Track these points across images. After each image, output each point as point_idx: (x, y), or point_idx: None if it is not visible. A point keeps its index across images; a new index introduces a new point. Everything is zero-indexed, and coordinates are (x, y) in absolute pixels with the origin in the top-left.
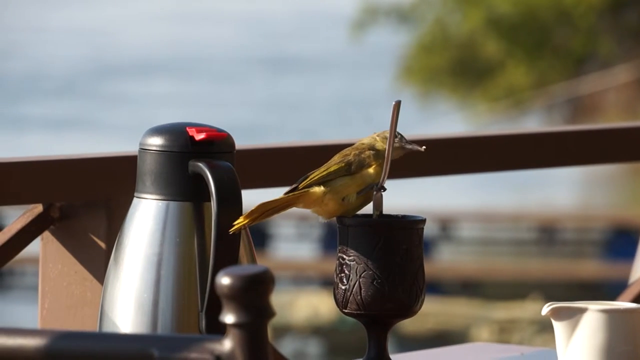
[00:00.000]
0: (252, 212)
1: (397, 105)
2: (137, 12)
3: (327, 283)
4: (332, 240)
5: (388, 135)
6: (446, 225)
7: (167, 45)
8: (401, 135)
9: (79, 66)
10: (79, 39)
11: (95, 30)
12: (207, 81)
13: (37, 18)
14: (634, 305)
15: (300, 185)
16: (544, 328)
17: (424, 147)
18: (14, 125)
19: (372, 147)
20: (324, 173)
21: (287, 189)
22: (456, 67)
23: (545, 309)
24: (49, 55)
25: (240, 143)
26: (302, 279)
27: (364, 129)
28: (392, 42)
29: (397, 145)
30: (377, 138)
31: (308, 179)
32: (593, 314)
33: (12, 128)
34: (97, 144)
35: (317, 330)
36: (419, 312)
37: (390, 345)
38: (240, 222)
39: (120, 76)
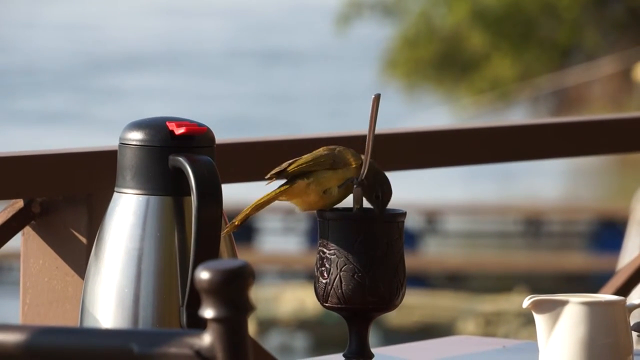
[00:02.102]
0: (246, 214)
1: (377, 99)
2: (126, 6)
3: (313, 277)
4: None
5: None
6: (432, 218)
7: (156, 39)
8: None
9: (69, 60)
10: (68, 33)
11: (85, 25)
12: (196, 74)
13: (27, 13)
14: (615, 297)
15: (289, 169)
16: (530, 320)
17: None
18: (4, 119)
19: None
20: (311, 163)
21: (270, 173)
22: (441, 60)
23: (527, 302)
24: (39, 49)
25: (228, 135)
26: (288, 272)
27: (349, 122)
28: (377, 35)
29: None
30: (352, 160)
31: (294, 164)
32: (574, 306)
33: (3, 122)
34: (87, 138)
35: (303, 323)
36: (405, 304)
37: (375, 338)
38: (233, 223)
39: (110, 70)
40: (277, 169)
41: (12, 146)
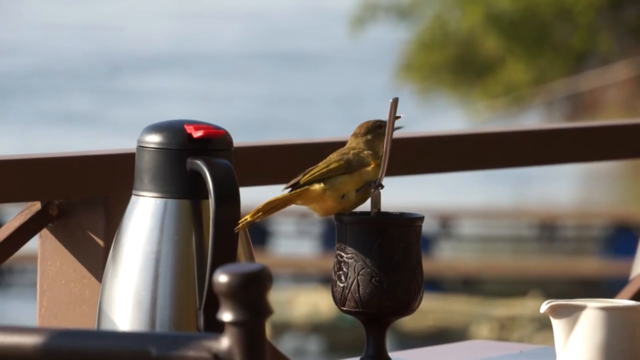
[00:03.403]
0: (258, 209)
1: (395, 102)
2: (143, 9)
3: (327, 280)
4: (332, 237)
5: (370, 124)
6: (446, 222)
7: (173, 42)
8: (380, 122)
9: (87, 62)
10: (86, 35)
11: (103, 27)
12: (212, 77)
13: (44, 14)
14: (632, 302)
15: (301, 181)
16: (545, 325)
17: (401, 115)
18: (23, 120)
19: (368, 147)
20: (324, 170)
21: (285, 185)
22: (456, 64)
23: (544, 307)
24: (57, 51)
25: (243, 138)
26: (302, 276)
27: None
28: (391, 38)
29: (380, 132)
30: (368, 136)
31: (308, 175)
32: (591, 311)
33: (22, 123)
34: (105, 140)
35: (317, 327)
36: (419, 309)
37: (389, 343)
38: (245, 219)
39: (128, 72)
40: (291, 182)
41: (31, 147)
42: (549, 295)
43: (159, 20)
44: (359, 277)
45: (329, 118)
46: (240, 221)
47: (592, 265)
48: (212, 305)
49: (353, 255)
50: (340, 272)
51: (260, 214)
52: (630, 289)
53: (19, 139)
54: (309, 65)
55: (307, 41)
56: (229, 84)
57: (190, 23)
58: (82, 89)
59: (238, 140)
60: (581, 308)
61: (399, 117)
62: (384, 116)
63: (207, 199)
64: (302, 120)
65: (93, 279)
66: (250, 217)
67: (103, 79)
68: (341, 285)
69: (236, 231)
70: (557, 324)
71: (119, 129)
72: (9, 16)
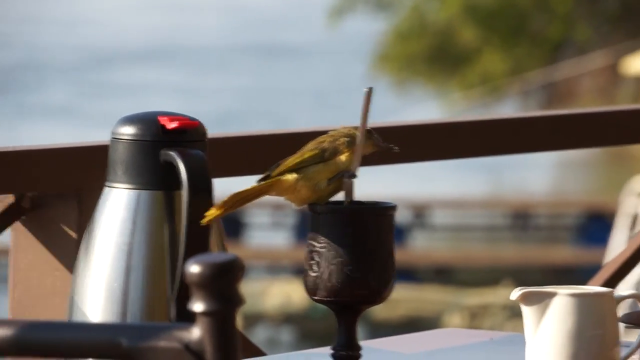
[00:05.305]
0: (225, 202)
1: (369, 93)
2: (126, 2)
3: (301, 271)
4: (306, 228)
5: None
6: (420, 212)
7: (155, 34)
8: (377, 135)
9: (69, 55)
10: (67, 28)
11: (86, 20)
12: (192, 69)
13: (27, 8)
14: (603, 289)
15: (273, 173)
16: (516, 314)
17: (396, 148)
18: (7, 113)
19: (347, 135)
20: (298, 160)
21: (260, 176)
22: (432, 55)
23: (515, 294)
24: (39, 44)
25: (223, 130)
26: (275, 267)
27: (341, 116)
28: (370, 29)
29: (371, 143)
30: (354, 130)
31: (281, 166)
32: (562, 298)
33: (6, 116)
34: (88, 132)
35: (290, 317)
36: (392, 298)
37: (361, 332)
38: (212, 213)
39: (110, 65)
40: (263, 175)
41: (15, 140)
42: (521, 283)
43: (139, 14)
44: (331, 267)
45: (307, 109)
46: (207, 214)
47: (566, 253)
48: (184, 295)
49: (326, 244)
50: (312, 262)
51: (228, 206)
52: (601, 276)
53: (3, 132)
54: (287, 57)
55: (285, 33)
56: (208, 76)
57: (171, 16)
58: (64, 82)
59: (217, 132)
60: (552, 295)
61: (396, 149)
62: (360, 107)
63: (180, 190)
64: (281, 111)
65: (65, 271)
66: (217, 209)
67: (85, 72)
68: (313, 274)
69: (203, 224)
70: (528, 311)
71: (101, 122)
72: None
